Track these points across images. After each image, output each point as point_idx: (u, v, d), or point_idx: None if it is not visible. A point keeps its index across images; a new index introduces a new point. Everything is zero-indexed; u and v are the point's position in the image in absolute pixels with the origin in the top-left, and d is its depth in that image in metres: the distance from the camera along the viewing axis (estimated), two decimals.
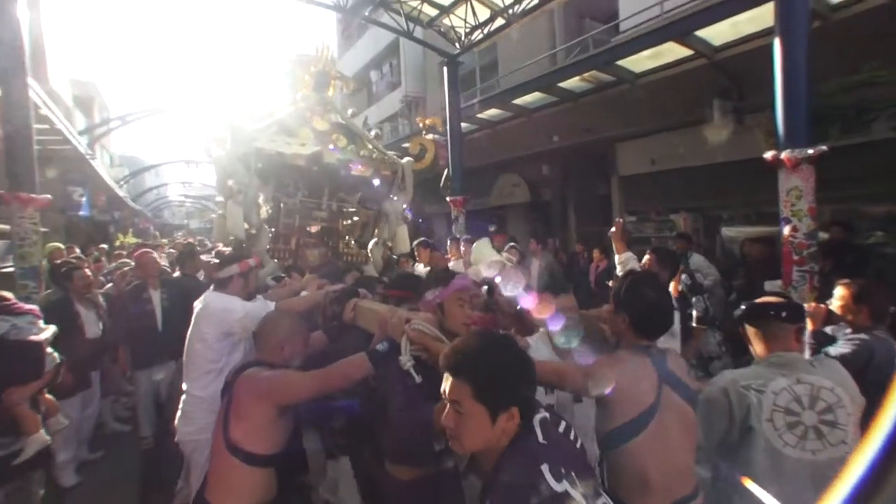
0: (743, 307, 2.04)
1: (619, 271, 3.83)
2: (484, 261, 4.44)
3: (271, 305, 2.68)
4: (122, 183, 19.94)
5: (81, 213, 11.62)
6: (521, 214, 12.60)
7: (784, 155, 3.98)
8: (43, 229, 13.06)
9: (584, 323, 2.46)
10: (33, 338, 2.65)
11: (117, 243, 14.44)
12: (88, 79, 23.45)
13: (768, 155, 4.13)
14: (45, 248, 6.88)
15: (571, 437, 1.34)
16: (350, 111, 4.82)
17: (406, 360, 1.85)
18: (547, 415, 1.31)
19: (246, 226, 3.88)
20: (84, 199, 11.35)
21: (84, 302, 4.39)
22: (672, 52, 6.32)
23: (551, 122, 8.96)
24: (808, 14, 4.15)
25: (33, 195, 4.91)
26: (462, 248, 6.35)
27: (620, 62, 6.70)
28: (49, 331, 2.80)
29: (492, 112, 9.28)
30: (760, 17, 5.13)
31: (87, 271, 4.50)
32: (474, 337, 1.36)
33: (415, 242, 7.18)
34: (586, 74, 7.14)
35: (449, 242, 6.80)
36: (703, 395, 1.89)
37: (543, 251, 7.86)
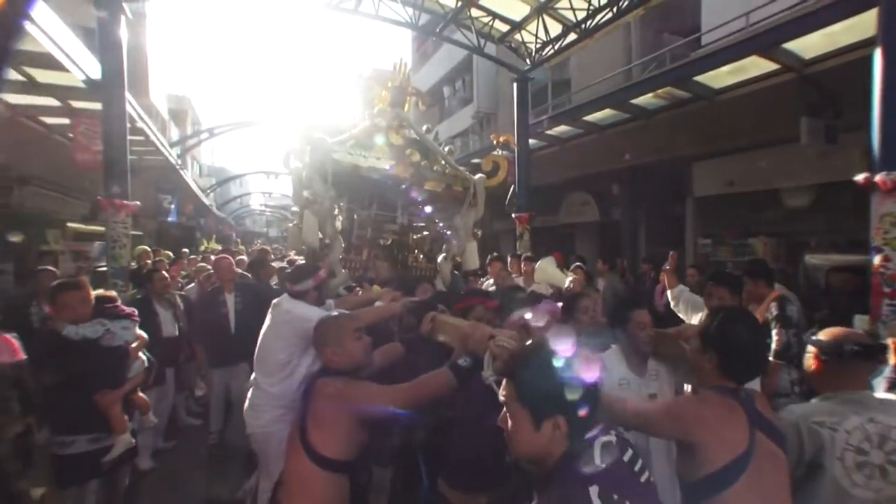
0: (820, 340, 1.86)
1: (672, 305, 3.67)
2: (548, 279, 4.25)
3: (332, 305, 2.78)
4: (208, 192, 21.49)
5: (170, 219, 12.60)
6: (589, 233, 12.22)
7: (879, 177, 3.59)
8: (137, 233, 14.36)
9: (660, 341, 2.36)
10: (122, 344, 2.86)
11: (202, 248, 15.54)
12: (183, 93, 25.70)
13: (860, 177, 3.73)
14: (135, 250, 7.50)
15: (636, 468, 1.25)
16: (425, 127, 4.84)
17: (489, 375, 1.82)
18: (613, 439, 1.24)
19: (320, 236, 3.99)
20: (172, 206, 12.31)
21: (162, 302, 4.74)
22: (756, 66, 5.87)
23: (623, 140, 8.63)
24: None
25: (126, 201, 5.35)
26: (523, 266, 6.17)
27: (698, 78, 6.31)
28: (139, 336, 3.03)
29: (562, 128, 9.10)
30: (859, 26, 4.63)
31: (165, 273, 4.84)
32: (534, 343, 1.34)
33: (489, 257, 7.07)
34: (661, 91, 6.80)
35: (510, 259, 6.62)
36: None
37: (610, 272, 7.47)
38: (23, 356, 3.06)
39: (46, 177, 9.60)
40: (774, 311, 3.75)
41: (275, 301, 2.93)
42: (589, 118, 8.25)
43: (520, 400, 1.21)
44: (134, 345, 3.00)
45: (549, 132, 9.17)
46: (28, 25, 4.09)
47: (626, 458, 1.24)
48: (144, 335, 3.09)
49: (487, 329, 2.01)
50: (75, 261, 6.43)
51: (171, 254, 8.82)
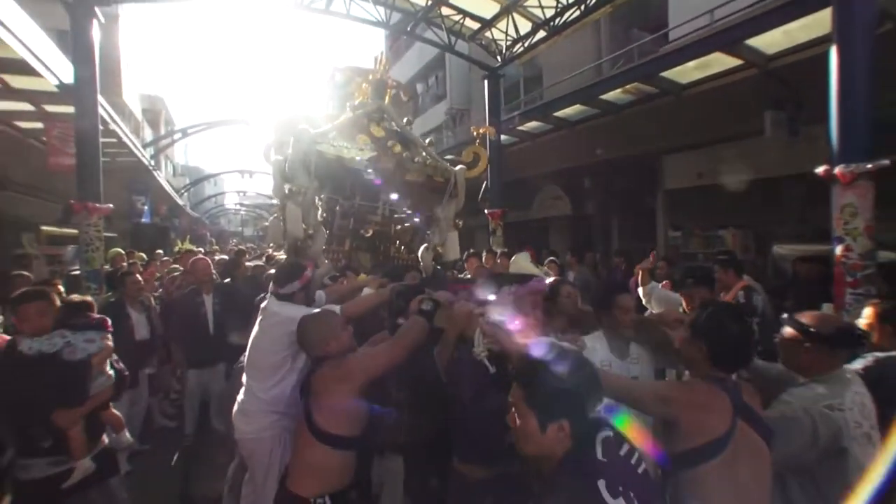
0: (807, 327, 1.96)
1: (644, 302, 3.80)
2: (524, 272, 4.40)
3: (336, 309, 2.68)
4: (182, 192, 21.15)
5: (144, 220, 12.42)
6: (562, 228, 12.43)
7: (838, 170, 3.77)
8: (111, 234, 14.09)
9: (642, 327, 2.45)
10: (84, 357, 2.61)
11: (176, 249, 15.32)
12: (157, 94, 25.15)
13: (820, 170, 3.92)
14: (109, 252, 7.43)
15: (633, 460, 1.32)
16: (405, 119, 4.90)
17: (480, 351, 1.94)
18: (611, 434, 1.31)
19: (304, 227, 4.01)
20: (146, 207, 12.14)
21: (135, 305, 4.68)
22: (720, 62, 6.11)
23: (594, 135, 8.83)
24: (874, 18, 3.92)
25: (98, 204, 5.34)
26: (498, 261, 6.35)
27: (665, 73, 6.53)
28: (103, 348, 2.76)
29: (533, 124, 9.26)
30: (817, 24, 4.85)
31: (139, 276, 4.79)
32: (542, 345, 1.39)
33: (465, 254, 7.22)
34: (629, 86, 7.00)
35: (485, 254, 6.80)
36: (778, 412, 1.85)
37: (579, 265, 7.72)
38: None
39: (22, 181, 9.43)
40: (741, 299, 4.00)
41: (262, 305, 2.85)
42: (560, 114, 8.43)
43: (527, 402, 1.28)
44: (97, 356, 2.71)
45: (520, 128, 9.33)
46: (2, 31, 4.09)
47: (622, 452, 1.30)
48: (110, 345, 2.83)
49: (470, 307, 2.15)
50: (49, 264, 6.35)
51: (144, 256, 8.75)
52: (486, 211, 8.55)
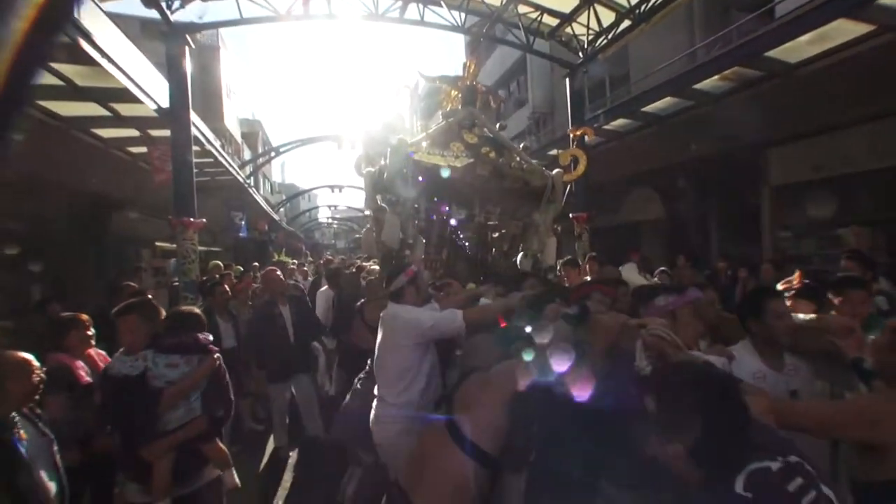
0: None
1: None
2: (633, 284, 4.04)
3: (458, 314, 2.69)
4: (278, 208, 22.69)
5: (241, 234, 13.39)
6: (655, 231, 11.54)
7: None
8: (216, 249, 15.34)
9: (802, 335, 2.18)
10: (162, 385, 2.46)
11: (274, 260, 16.41)
12: (254, 117, 27.41)
13: None
14: (209, 265, 8.02)
15: (806, 499, 1.06)
16: (498, 124, 4.83)
17: (644, 366, 1.78)
18: (777, 464, 1.09)
19: (401, 236, 4.04)
20: (243, 222, 13.08)
21: (223, 314, 4.87)
22: (842, 31, 5.21)
23: (688, 129, 8.07)
24: None
25: (192, 219, 5.73)
26: (588, 266, 5.92)
27: (771, 53, 5.73)
28: (185, 375, 2.53)
29: (620, 122, 8.69)
30: None
31: (227, 287, 4.98)
32: (685, 366, 1.33)
33: (560, 262, 6.86)
34: (727, 72, 6.27)
35: (587, 260, 6.35)
36: None
37: (692, 270, 6.96)
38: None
39: (139, 202, 10.61)
40: (884, 306, 3.39)
41: (382, 314, 2.91)
42: (648, 109, 7.81)
43: (653, 416, 1.22)
44: (176, 386, 2.48)
45: (606, 127, 8.77)
46: (108, 63, 4.54)
47: (790, 487, 1.06)
48: (199, 372, 2.59)
49: (623, 317, 2.00)
50: (155, 276, 6.97)
51: (241, 268, 9.35)
52: (570, 215, 8.09)
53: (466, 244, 4.63)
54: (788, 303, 3.24)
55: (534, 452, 2.20)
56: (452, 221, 4.43)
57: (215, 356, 2.70)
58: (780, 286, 3.13)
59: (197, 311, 2.89)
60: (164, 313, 2.75)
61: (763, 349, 2.18)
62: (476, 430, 1.91)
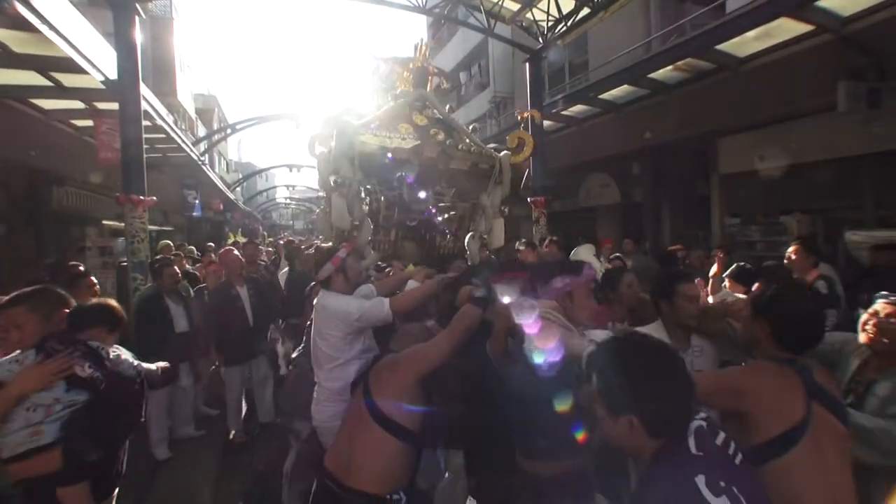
0: None
1: None
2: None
3: (385, 302, 2.74)
4: (234, 187, 21.98)
5: (195, 213, 12.95)
6: (610, 216, 11.91)
7: None
8: (168, 228, 14.84)
9: (707, 317, 2.27)
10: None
11: (229, 241, 15.97)
12: (209, 92, 26.21)
13: None
14: (159, 244, 7.74)
15: (730, 451, 1.20)
16: (448, 106, 4.83)
17: (532, 347, 1.89)
18: (704, 423, 1.20)
19: (350, 218, 4.01)
20: (197, 201, 12.64)
21: (173, 297, 4.64)
22: (786, 29, 5.52)
23: (643, 118, 8.35)
24: None
25: (142, 197, 5.50)
26: (546, 249, 6.14)
27: (721, 46, 5.99)
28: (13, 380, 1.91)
29: (578, 108, 8.88)
30: None
31: (176, 268, 4.75)
32: (615, 339, 1.33)
33: (517, 243, 7.03)
34: (681, 63, 6.51)
35: (547, 243, 6.55)
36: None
37: (637, 252, 7.32)
38: None
39: (80, 177, 10.02)
40: (822, 290, 3.61)
41: (315, 301, 2.93)
42: (606, 96, 8.02)
43: (598, 394, 1.23)
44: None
45: (565, 112, 8.96)
46: (49, 30, 4.26)
47: (718, 441, 1.20)
48: (25, 379, 1.92)
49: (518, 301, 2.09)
50: (101, 256, 6.66)
51: (194, 248, 9.08)
52: (528, 199, 8.26)
53: (414, 225, 4.62)
54: (727, 284, 3.48)
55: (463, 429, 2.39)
56: (422, 195, 4.41)
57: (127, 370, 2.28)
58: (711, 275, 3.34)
59: (110, 303, 2.40)
60: (70, 304, 2.27)
61: (672, 330, 2.29)
62: (392, 408, 1.97)
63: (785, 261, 3.72)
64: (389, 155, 4.05)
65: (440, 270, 3.33)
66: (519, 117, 5.00)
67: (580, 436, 1.82)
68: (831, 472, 1.46)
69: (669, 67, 6.68)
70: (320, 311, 2.82)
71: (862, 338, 1.96)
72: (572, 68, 12.72)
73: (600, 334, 2.14)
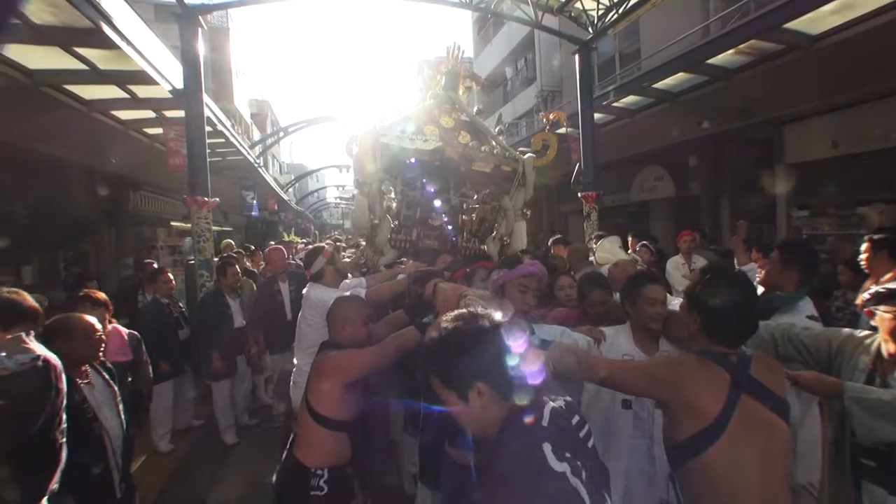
0: None
1: None
2: (613, 259, 4.12)
3: (361, 293, 2.93)
4: (286, 188, 22.79)
5: (253, 213, 13.55)
6: (665, 210, 11.50)
7: None
8: (228, 228, 15.70)
9: (671, 321, 2.24)
10: None
11: (285, 240, 16.63)
12: (263, 97, 27.31)
13: None
14: (221, 243, 8.17)
15: (582, 433, 1.28)
16: (476, 108, 4.85)
17: None
18: (562, 405, 1.27)
19: (370, 216, 4.16)
20: (255, 202, 13.20)
21: (232, 294, 5.04)
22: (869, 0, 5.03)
23: (700, 107, 7.97)
24: None
25: (206, 198, 5.83)
26: (594, 245, 5.99)
27: (791, 24, 5.56)
28: None
29: (631, 99, 8.56)
30: None
31: (237, 267, 5.12)
32: (433, 330, 1.33)
33: (550, 240, 6.97)
34: (744, 46, 6.12)
35: (588, 239, 6.45)
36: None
37: (703, 248, 6.90)
38: (131, 356, 3.38)
39: (155, 182, 10.83)
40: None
41: (303, 292, 3.26)
42: (660, 85, 7.67)
43: (443, 385, 1.24)
44: None
45: (616, 104, 8.67)
46: (127, 47, 4.64)
47: (573, 421, 1.27)
48: None
49: (462, 288, 2.19)
50: (171, 254, 7.14)
51: (251, 246, 9.53)
52: (579, 194, 8.09)
53: (446, 220, 4.67)
54: None
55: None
56: (437, 203, 4.52)
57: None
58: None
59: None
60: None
61: (637, 333, 2.31)
62: (318, 398, 2.21)
63: (862, 260, 3.34)
64: (413, 160, 4.16)
65: (431, 266, 3.42)
66: (544, 119, 4.93)
67: None
68: (759, 463, 1.45)
69: (731, 51, 6.30)
70: (306, 301, 3.15)
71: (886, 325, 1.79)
72: (623, 58, 12.35)
73: (582, 339, 2.25)
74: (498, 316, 1.30)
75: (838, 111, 7.01)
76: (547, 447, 1.13)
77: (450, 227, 4.65)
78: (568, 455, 1.14)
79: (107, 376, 2.51)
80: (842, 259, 4.50)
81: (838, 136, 7.16)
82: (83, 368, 2.38)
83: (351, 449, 2.29)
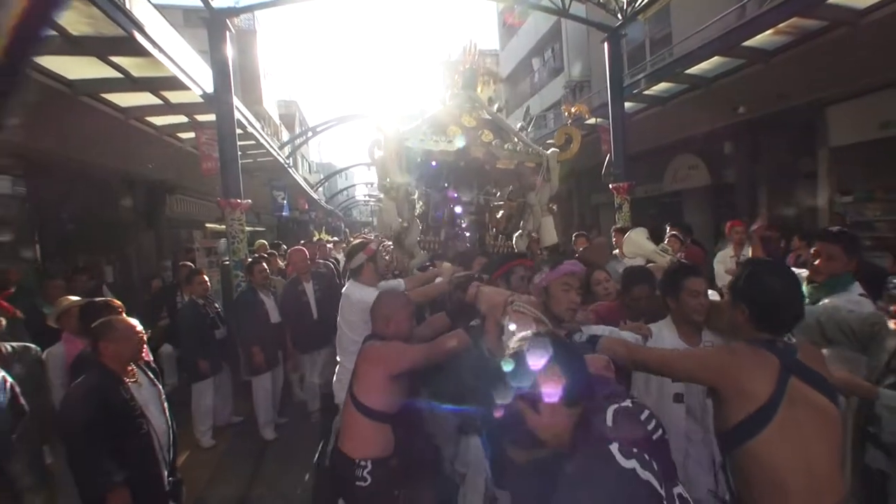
0: None
1: None
2: (639, 252, 4.02)
3: (402, 284, 3.08)
4: (316, 187, 23.14)
5: (284, 213, 13.81)
6: (699, 200, 11.12)
7: None
8: (260, 228, 16.09)
9: (714, 312, 2.28)
10: None
11: (315, 239, 16.90)
12: (291, 98, 27.77)
13: None
14: (255, 243, 8.35)
15: (651, 426, 1.37)
16: (496, 106, 4.84)
17: (510, 343, 1.91)
18: (628, 404, 1.37)
19: (399, 219, 4.17)
20: (285, 202, 13.46)
21: (265, 291, 5.14)
22: None
23: (735, 91, 7.65)
24: None
25: (239, 200, 5.96)
26: (614, 239, 5.87)
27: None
28: None
29: (661, 87, 8.28)
30: None
31: (265, 265, 5.21)
32: (539, 338, 1.40)
33: (574, 235, 6.90)
34: (783, 25, 5.80)
35: (613, 233, 6.31)
36: None
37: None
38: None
39: (190, 186, 11.18)
40: None
41: (343, 290, 3.26)
42: (693, 71, 7.40)
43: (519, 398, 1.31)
44: None
45: (647, 92, 8.41)
46: (159, 54, 4.77)
47: (642, 417, 1.37)
48: None
49: (506, 294, 2.27)
50: (207, 256, 7.35)
51: (284, 246, 9.71)
52: (610, 186, 7.92)
53: (465, 225, 4.74)
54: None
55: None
56: (458, 209, 4.58)
57: None
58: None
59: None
60: None
61: (681, 326, 2.34)
62: (364, 389, 2.30)
63: None
64: (434, 163, 4.20)
65: (467, 269, 3.42)
66: (566, 113, 4.84)
67: None
68: (809, 446, 1.47)
69: (769, 31, 6.00)
70: (346, 299, 3.16)
71: None
72: (653, 44, 11.99)
73: (630, 336, 2.27)
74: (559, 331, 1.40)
75: (888, 89, 6.60)
76: (614, 447, 1.23)
77: (475, 227, 4.65)
78: (635, 451, 1.23)
79: (151, 375, 2.64)
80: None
81: (888, 115, 6.74)
82: (130, 368, 2.50)
83: (395, 442, 2.35)
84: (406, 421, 2.42)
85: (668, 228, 6.16)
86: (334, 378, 3.23)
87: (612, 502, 1.19)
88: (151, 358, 3.39)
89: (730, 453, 1.60)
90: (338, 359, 3.24)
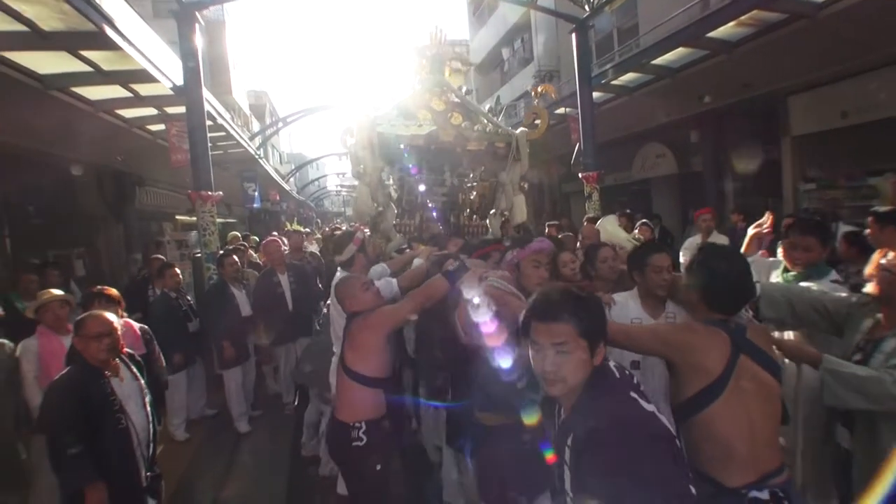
0: None
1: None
2: (610, 239, 4.17)
3: (393, 283, 3.08)
4: (287, 178, 22.77)
5: (255, 205, 13.59)
6: (667, 188, 11.42)
7: None
8: (232, 220, 15.81)
9: (676, 287, 2.42)
10: None
11: (287, 229, 16.68)
12: (261, 88, 27.12)
13: None
14: (228, 235, 8.23)
15: (635, 379, 1.51)
16: (464, 88, 4.91)
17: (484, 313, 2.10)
18: (615, 362, 1.53)
19: (374, 204, 4.27)
20: (256, 193, 13.23)
21: (236, 284, 5.09)
22: None
23: (700, 81, 7.88)
24: None
25: (210, 192, 5.86)
26: (596, 226, 6.03)
27: None
28: None
29: (629, 77, 8.44)
30: None
31: (236, 258, 5.18)
32: (556, 288, 1.56)
33: (547, 224, 7.05)
34: (745, 17, 5.98)
35: (584, 222, 6.47)
36: None
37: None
38: (144, 350, 3.44)
39: (160, 178, 10.91)
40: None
41: (333, 281, 3.23)
42: (659, 61, 7.57)
43: (581, 335, 1.37)
44: None
45: (615, 82, 8.56)
46: (129, 47, 4.72)
47: (627, 373, 1.52)
48: None
49: (480, 270, 2.43)
50: (178, 248, 7.22)
51: (257, 238, 9.59)
52: (580, 175, 8.07)
53: (437, 207, 4.80)
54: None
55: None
56: (422, 187, 4.63)
57: None
58: (751, 229, 3.13)
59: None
60: None
61: (645, 299, 2.53)
62: (354, 357, 2.46)
63: (867, 231, 3.38)
64: (403, 146, 4.24)
65: (441, 250, 3.56)
66: (532, 93, 4.97)
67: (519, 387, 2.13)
68: (753, 417, 1.62)
69: (732, 23, 6.18)
70: (334, 290, 3.15)
71: (869, 288, 2.06)
72: (621, 35, 12.18)
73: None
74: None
75: (847, 79, 6.87)
76: (633, 394, 1.38)
77: (449, 208, 4.72)
78: (645, 398, 1.39)
79: (135, 370, 2.61)
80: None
81: (847, 105, 7.02)
82: (113, 362, 2.48)
83: (386, 404, 2.53)
84: (395, 384, 2.62)
85: (630, 217, 6.38)
86: (331, 370, 3.18)
87: (652, 441, 1.29)
88: (145, 351, 3.42)
89: (683, 423, 1.73)
90: (334, 349, 3.20)
